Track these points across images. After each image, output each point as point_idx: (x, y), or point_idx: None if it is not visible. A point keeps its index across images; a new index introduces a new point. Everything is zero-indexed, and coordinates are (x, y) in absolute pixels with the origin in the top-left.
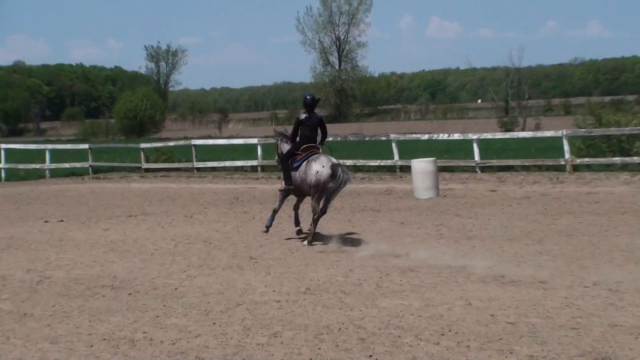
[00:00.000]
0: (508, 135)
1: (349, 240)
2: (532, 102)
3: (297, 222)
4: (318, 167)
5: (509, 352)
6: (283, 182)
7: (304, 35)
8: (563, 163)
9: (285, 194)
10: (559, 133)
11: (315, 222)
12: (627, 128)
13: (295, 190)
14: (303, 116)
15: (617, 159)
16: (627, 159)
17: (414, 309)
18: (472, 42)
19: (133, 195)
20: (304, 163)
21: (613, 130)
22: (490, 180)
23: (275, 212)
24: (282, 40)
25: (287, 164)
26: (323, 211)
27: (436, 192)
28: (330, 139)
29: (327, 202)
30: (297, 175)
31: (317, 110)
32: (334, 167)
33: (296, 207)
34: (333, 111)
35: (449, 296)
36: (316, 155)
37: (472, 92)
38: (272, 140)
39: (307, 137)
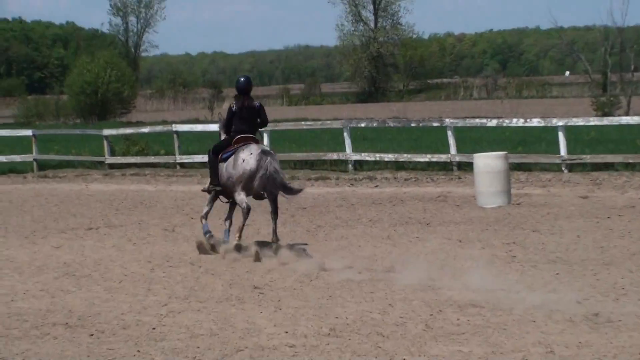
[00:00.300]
0: (606, 121)
1: (388, 263)
2: None
3: (227, 236)
4: (245, 155)
5: None
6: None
7: None
8: None
9: (213, 195)
10: None
11: (244, 216)
12: None
13: (223, 190)
14: (235, 106)
15: None
16: None
17: (476, 358)
18: None
19: (94, 200)
20: (233, 155)
21: None
22: (581, 183)
23: (203, 218)
24: None
25: (216, 159)
26: (274, 212)
27: (507, 199)
28: (362, 124)
29: (273, 202)
30: (223, 169)
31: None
32: (263, 154)
33: (228, 216)
34: (367, 86)
35: (524, 341)
36: (246, 144)
37: (557, 61)
38: (283, 126)
39: (242, 130)
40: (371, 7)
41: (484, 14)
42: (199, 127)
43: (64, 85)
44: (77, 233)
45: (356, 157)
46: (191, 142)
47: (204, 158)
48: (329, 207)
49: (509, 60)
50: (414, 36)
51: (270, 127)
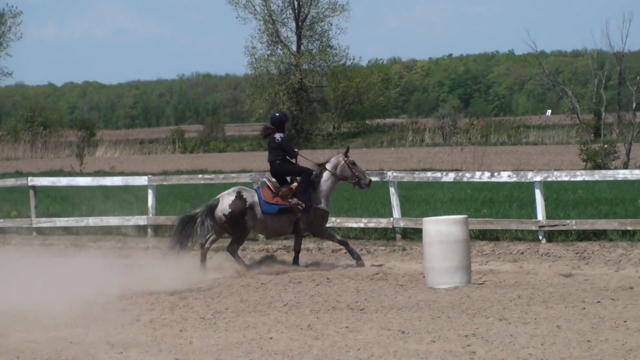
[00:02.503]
0: (598, 175)
1: None
2: None
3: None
4: None
5: None
6: None
7: None
8: None
9: None
10: None
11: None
12: None
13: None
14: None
15: None
16: None
17: None
18: (535, 7)
19: None
20: None
21: None
22: (563, 257)
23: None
24: (192, 1)
25: None
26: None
27: (466, 277)
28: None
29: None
30: None
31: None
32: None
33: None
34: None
35: None
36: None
37: (536, 97)
38: (173, 180)
39: (269, 161)
40: (293, 24)
41: (441, 34)
42: (63, 181)
43: None
44: None
45: None
46: (53, 200)
47: (69, 221)
48: (232, 287)
49: (473, 95)
50: (349, 63)
51: (156, 181)
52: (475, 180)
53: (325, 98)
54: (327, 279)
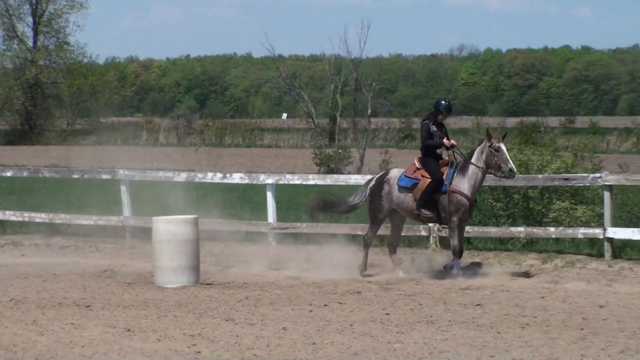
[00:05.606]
0: (330, 179)
1: (31, 357)
2: (379, 120)
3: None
4: None
5: None
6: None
7: None
8: (425, 234)
9: None
10: None
11: None
12: (540, 176)
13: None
14: None
15: (519, 230)
16: (537, 231)
17: None
18: (274, 11)
19: None
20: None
21: (517, 180)
22: (294, 259)
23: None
24: None
25: None
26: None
27: (194, 277)
28: (9, 173)
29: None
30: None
31: None
32: None
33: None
34: (19, 123)
35: None
36: None
37: (272, 100)
38: None
39: None
40: (30, 20)
41: (179, 35)
42: None
43: None
44: None
45: None
46: None
47: None
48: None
49: (210, 97)
50: (86, 60)
51: None
52: (207, 180)
53: (60, 95)
54: (54, 275)
